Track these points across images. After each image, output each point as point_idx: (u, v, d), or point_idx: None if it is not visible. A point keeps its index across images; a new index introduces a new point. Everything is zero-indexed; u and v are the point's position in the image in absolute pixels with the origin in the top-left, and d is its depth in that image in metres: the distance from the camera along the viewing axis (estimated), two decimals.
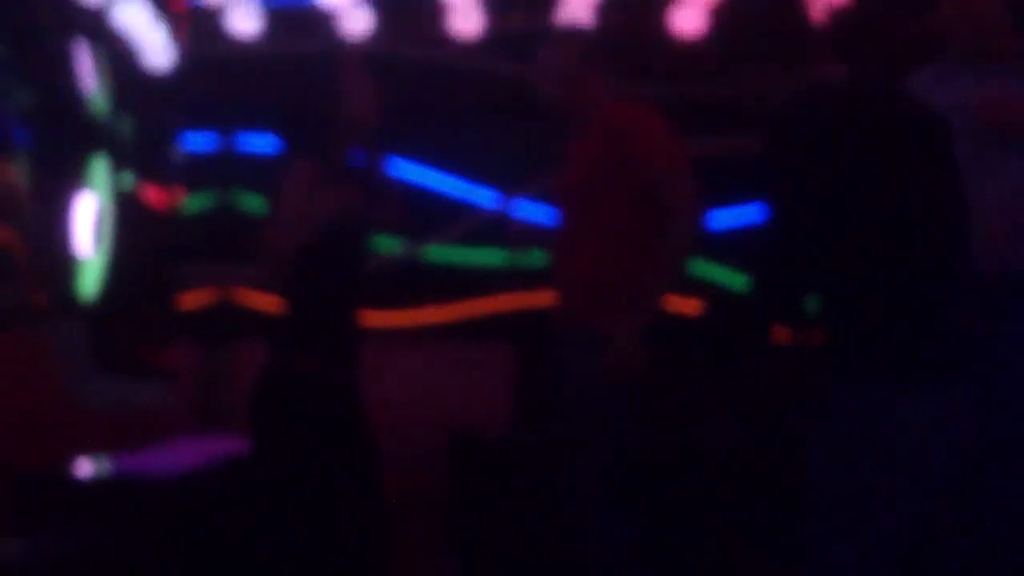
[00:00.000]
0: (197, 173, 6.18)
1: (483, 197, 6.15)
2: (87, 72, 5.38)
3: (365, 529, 4.12)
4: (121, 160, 5.52)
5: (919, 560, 3.16)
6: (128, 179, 5.57)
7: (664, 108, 4.40)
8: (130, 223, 5.49)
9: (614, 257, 4.29)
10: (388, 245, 5.47)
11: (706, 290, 5.38)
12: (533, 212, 5.21)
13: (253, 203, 6.27)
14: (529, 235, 4.60)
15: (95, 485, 4.33)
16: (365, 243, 4.28)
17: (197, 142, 6.23)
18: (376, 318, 5.50)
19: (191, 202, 6.16)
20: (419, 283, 6.06)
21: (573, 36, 4.68)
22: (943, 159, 3.06)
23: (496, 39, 6.07)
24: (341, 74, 4.19)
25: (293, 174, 4.09)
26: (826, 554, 3.03)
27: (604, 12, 5.88)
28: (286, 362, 4.09)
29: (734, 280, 5.40)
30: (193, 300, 6.19)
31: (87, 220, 5.20)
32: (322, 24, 5.99)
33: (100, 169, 5.34)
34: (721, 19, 5.40)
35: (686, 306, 4.81)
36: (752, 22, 3.39)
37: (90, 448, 4.78)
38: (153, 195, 5.78)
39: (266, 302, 6.20)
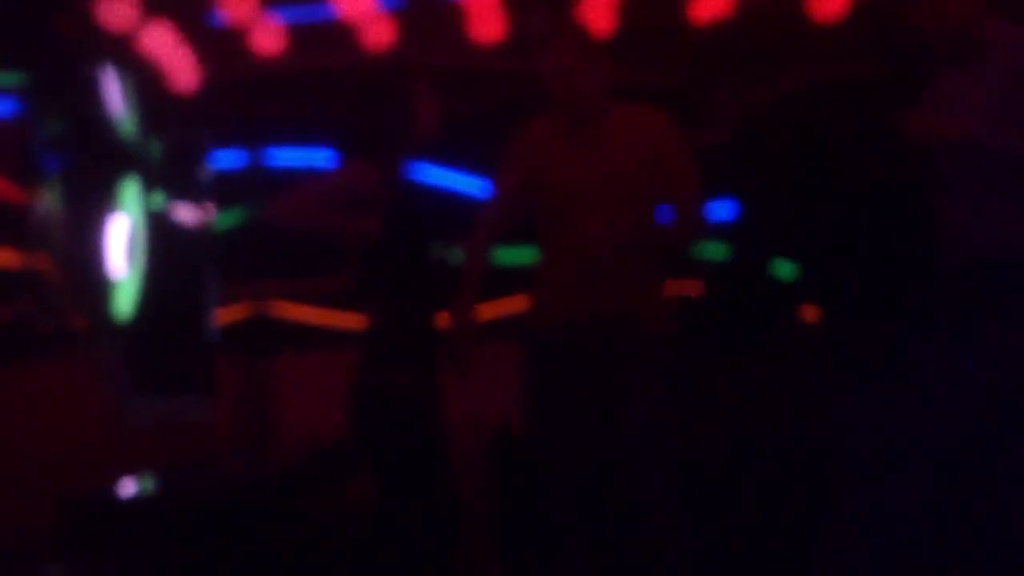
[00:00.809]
0: (227, 190, 6.22)
1: None
2: (114, 96, 5.44)
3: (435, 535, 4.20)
4: (151, 181, 5.57)
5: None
6: (159, 199, 5.62)
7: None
8: (163, 242, 5.54)
9: (651, 257, 4.33)
10: None
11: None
12: None
13: None
14: None
15: (140, 504, 4.37)
16: (433, 248, 4.33)
17: (225, 159, 6.28)
18: None
19: (222, 219, 6.20)
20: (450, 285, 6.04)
21: (575, 33, 4.66)
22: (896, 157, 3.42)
23: (517, 41, 6.08)
24: (412, 88, 4.23)
25: (348, 170, 4.15)
26: (856, 505, 3.14)
27: (623, 10, 5.89)
28: (379, 377, 4.15)
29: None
30: (229, 315, 6.23)
31: (120, 242, 5.26)
32: (345, 37, 6.02)
33: (131, 191, 5.40)
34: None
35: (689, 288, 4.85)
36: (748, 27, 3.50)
37: (134, 467, 4.82)
38: (184, 214, 5.83)
39: (301, 313, 6.25)
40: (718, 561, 4.44)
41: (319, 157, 6.10)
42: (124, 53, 5.60)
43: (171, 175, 5.73)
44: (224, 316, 6.17)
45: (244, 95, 6.15)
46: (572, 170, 4.39)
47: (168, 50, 5.79)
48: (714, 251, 5.62)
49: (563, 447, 4.38)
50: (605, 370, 4.33)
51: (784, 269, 3.38)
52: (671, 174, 4.32)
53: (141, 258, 5.38)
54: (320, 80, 5.97)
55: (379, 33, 6.02)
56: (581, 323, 4.36)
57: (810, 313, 5.42)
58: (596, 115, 4.39)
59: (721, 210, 5.21)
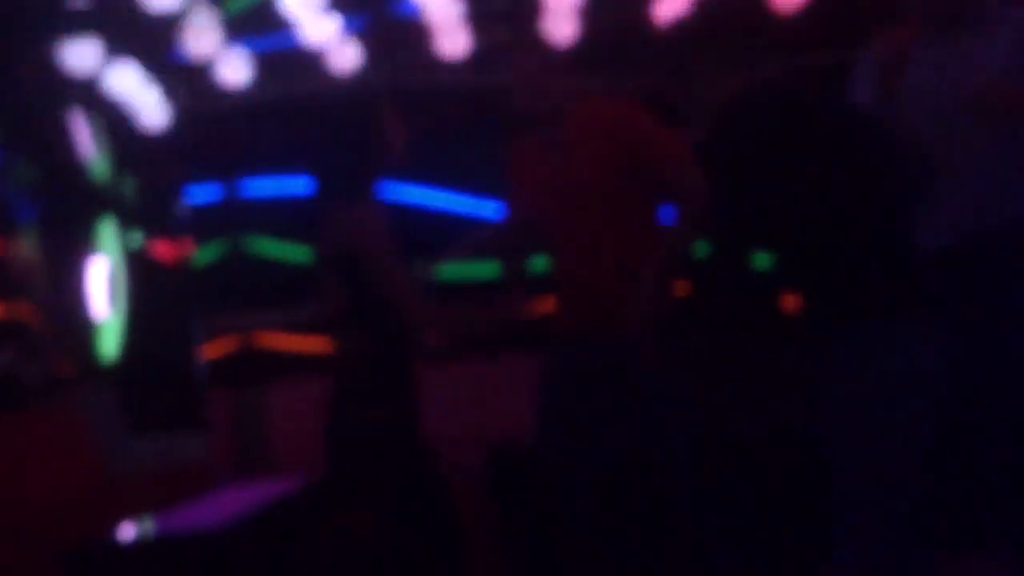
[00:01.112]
0: (203, 224, 6.21)
1: (489, 210, 6.17)
2: (85, 140, 5.44)
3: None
4: (127, 220, 5.58)
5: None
6: (136, 238, 5.62)
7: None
8: (144, 281, 5.54)
9: (641, 257, 4.30)
10: None
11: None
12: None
13: (262, 246, 6.31)
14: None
15: (141, 549, 4.34)
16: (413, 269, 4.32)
17: (200, 193, 6.28)
18: None
19: (201, 253, 6.20)
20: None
21: (533, 46, 4.64)
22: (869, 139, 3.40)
23: (483, 55, 6.08)
24: (382, 114, 4.22)
25: (365, 224, 4.08)
26: (847, 488, 3.17)
27: (587, 16, 5.89)
28: (357, 412, 4.12)
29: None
30: (216, 349, 6.23)
31: (101, 283, 5.25)
32: (311, 64, 6.01)
33: (108, 232, 5.40)
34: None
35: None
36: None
37: (134, 511, 4.81)
38: (163, 250, 5.83)
39: (288, 342, 6.24)
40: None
41: (294, 185, 6.11)
42: (91, 95, 5.59)
43: (147, 213, 5.73)
44: (211, 350, 6.17)
45: (214, 128, 6.14)
46: (547, 184, 4.39)
47: (135, 90, 5.78)
48: (697, 248, 5.64)
49: (570, 461, 4.38)
50: (608, 384, 4.34)
51: (764, 260, 3.41)
52: (654, 161, 4.26)
53: (123, 298, 5.38)
54: (289, 107, 5.97)
55: (344, 57, 6.02)
56: (580, 336, 4.37)
57: (790, 303, 5.46)
58: (562, 125, 4.39)
59: None
